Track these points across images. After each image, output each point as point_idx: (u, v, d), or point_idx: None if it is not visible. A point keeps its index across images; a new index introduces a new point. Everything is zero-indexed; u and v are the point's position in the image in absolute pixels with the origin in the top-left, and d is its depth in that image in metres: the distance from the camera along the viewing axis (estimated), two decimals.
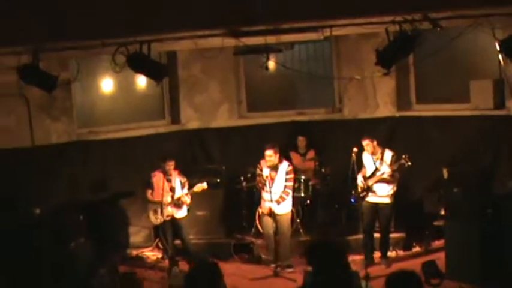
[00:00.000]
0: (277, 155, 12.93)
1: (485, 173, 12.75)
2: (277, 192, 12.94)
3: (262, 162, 13.03)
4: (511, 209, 11.66)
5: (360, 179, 12.89)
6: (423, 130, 14.32)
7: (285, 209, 13.12)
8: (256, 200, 13.79)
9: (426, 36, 10.47)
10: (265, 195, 13.04)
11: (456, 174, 12.84)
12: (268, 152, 12.85)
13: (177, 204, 13.12)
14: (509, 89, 13.00)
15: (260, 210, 13.37)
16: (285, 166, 13.06)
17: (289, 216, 13.31)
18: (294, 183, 14.00)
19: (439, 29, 10.34)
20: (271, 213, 12.93)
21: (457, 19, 10.16)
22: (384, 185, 12.70)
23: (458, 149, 13.58)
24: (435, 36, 11.18)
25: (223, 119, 15.54)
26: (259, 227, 13.62)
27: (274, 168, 12.95)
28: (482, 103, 13.38)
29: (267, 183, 12.81)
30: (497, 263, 11.37)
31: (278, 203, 12.93)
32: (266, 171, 12.88)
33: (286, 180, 13.03)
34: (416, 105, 14.85)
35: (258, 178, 13.14)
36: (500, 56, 11.37)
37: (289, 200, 13.13)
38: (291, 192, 13.16)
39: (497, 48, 10.20)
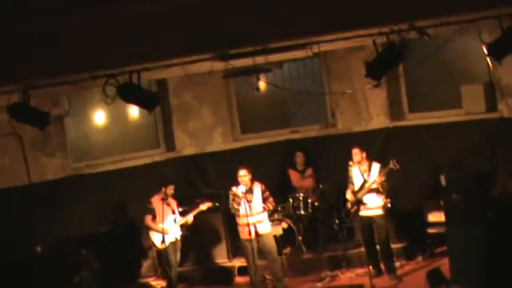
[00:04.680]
0: (250, 176, 12.93)
1: (483, 177, 12.72)
2: (257, 210, 12.96)
3: (234, 188, 12.96)
4: None
5: (348, 195, 12.91)
6: (418, 139, 14.33)
7: (267, 227, 13.11)
8: None
9: (414, 46, 10.50)
10: (241, 219, 12.90)
11: (454, 180, 12.81)
12: (242, 172, 12.86)
13: (182, 226, 13.26)
14: (500, 92, 13.02)
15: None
16: (258, 186, 13.07)
17: (272, 235, 13.26)
18: (293, 202, 14.07)
19: (426, 37, 10.37)
20: (256, 234, 12.83)
21: (443, 26, 10.17)
22: (374, 197, 12.72)
23: (454, 155, 13.57)
24: (423, 44, 11.23)
25: (217, 143, 15.57)
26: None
27: (249, 190, 12.92)
28: (474, 107, 13.42)
29: (243, 202, 12.72)
30: (502, 266, 11.35)
31: (261, 215, 12.95)
32: (242, 188, 12.81)
33: (264, 199, 13.04)
34: (409, 115, 14.87)
35: (232, 203, 12.97)
36: (488, 60, 11.39)
37: (267, 219, 13.17)
38: (271, 207, 13.20)
39: (485, 51, 10.20)
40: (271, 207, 13.17)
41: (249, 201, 12.83)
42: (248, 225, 12.73)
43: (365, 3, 9.20)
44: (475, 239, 11.59)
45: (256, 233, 12.83)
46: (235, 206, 12.87)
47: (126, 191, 14.50)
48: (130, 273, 14.47)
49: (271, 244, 13.09)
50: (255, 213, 12.89)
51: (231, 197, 13.01)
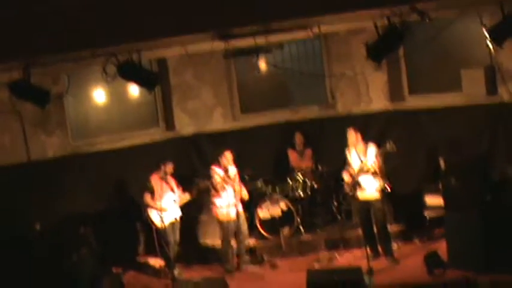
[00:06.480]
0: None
1: (482, 161, 12.75)
2: (237, 192, 13.31)
3: (214, 167, 13.29)
4: (510, 194, 11.73)
5: (345, 177, 12.93)
6: (417, 122, 14.32)
7: (241, 207, 13.48)
8: (253, 202, 13.98)
9: (415, 28, 10.47)
10: (221, 201, 13.24)
11: (453, 163, 12.83)
12: (230, 155, 13.28)
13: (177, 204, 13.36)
14: (501, 76, 13.00)
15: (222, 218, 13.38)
16: (234, 168, 13.45)
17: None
18: (292, 183, 14.16)
19: (427, 20, 10.35)
20: (237, 216, 13.20)
21: (444, 9, 10.15)
22: (371, 180, 12.69)
23: (453, 139, 13.57)
24: (424, 27, 11.20)
25: (217, 123, 15.54)
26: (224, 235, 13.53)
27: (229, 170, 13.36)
28: (474, 91, 13.38)
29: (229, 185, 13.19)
30: (499, 249, 11.39)
31: (242, 201, 13.39)
32: (232, 169, 13.30)
33: (237, 180, 13.47)
34: (409, 98, 14.85)
35: (219, 184, 13.20)
36: (489, 43, 11.37)
37: None
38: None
39: (486, 35, 10.19)
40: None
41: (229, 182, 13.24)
42: (229, 206, 13.16)
43: None
44: (472, 222, 11.63)
45: (238, 213, 13.17)
46: (224, 187, 13.15)
47: (125, 169, 14.49)
48: (129, 252, 14.48)
49: (246, 223, 13.50)
50: (237, 194, 13.22)
51: (217, 178, 13.19)
